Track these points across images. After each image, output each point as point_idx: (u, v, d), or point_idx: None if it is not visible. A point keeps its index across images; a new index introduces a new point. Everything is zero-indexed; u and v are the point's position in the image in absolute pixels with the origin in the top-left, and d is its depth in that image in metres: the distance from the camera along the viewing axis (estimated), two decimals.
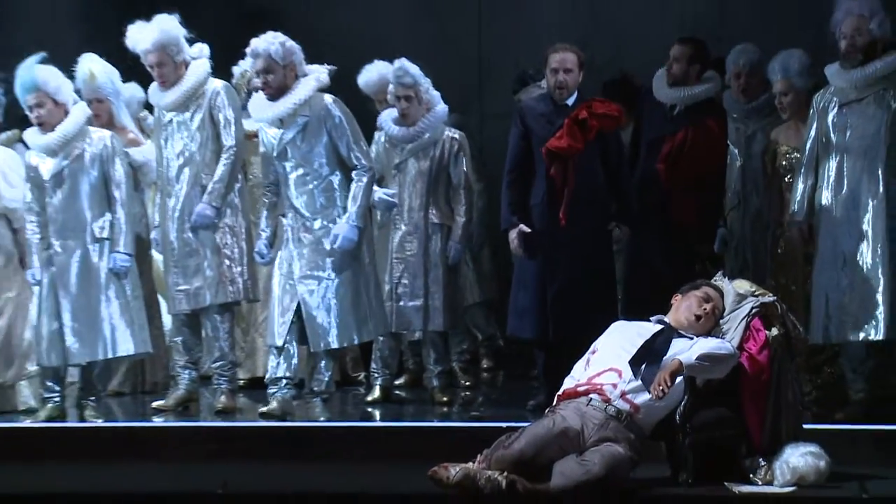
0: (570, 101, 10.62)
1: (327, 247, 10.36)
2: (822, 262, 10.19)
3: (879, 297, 9.94)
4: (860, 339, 10.02)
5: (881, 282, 9.93)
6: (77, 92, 10.85)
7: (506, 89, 12.15)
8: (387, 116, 11.22)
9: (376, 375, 11.36)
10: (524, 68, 11.78)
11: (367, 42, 12.13)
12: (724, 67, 11.20)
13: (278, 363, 10.40)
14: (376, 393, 11.35)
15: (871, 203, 9.99)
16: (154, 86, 10.84)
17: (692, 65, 11.03)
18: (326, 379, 10.44)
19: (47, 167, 10.41)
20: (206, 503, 8.68)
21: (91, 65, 11.03)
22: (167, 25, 10.66)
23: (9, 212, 10.90)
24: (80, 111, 10.46)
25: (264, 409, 10.40)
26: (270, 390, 10.43)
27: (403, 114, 11.08)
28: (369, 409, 11.13)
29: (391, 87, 11.16)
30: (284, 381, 10.38)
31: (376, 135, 11.36)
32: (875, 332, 9.94)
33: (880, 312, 9.92)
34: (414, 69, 11.06)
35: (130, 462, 9.80)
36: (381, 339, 11.18)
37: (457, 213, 11.13)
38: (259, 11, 12.96)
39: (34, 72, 10.38)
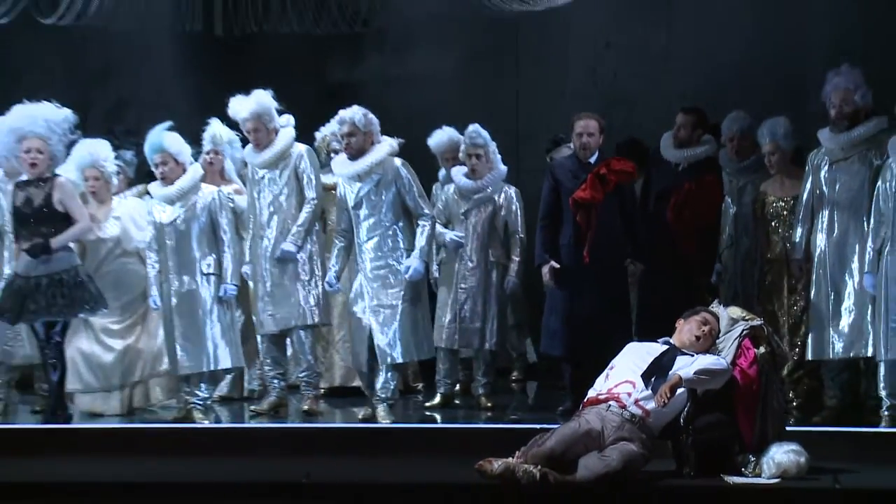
0: (593, 159, 10.52)
1: (391, 280, 10.33)
2: (817, 294, 10.09)
3: (867, 323, 9.81)
4: (850, 356, 9.92)
5: (869, 309, 9.80)
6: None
7: (538, 150, 12.03)
8: (457, 172, 11.14)
9: (440, 385, 11.26)
10: (556, 133, 11.66)
11: (424, 113, 12.07)
12: (719, 131, 11.02)
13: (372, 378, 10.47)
14: (437, 399, 11.25)
15: (857, 245, 9.91)
16: (249, 147, 10.81)
17: (695, 130, 10.97)
18: (392, 388, 10.35)
19: (167, 214, 10.47)
20: (292, 491, 8.54)
21: (220, 128, 11.11)
22: (262, 99, 10.67)
23: (139, 250, 10.83)
24: (195, 170, 10.54)
25: (362, 415, 10.48)
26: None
27: (473, 169, 11.04)
28: (428, 413, 11.03)
29: (463, 146, 11.10)
30: (382, 388, 10.38)
31: (445, 186, 11.36)
32: (864, 350, 9.82)
33: (868, 334, 9.80)
34: (484, 133, 11.06)
35: (233, 457, 9.70)
36: (442, 354, 11.15)
37: (513, 254, 11.07)
38: (334, 90, 12.89)
39: (161, 137, 10.47)
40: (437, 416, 11.02)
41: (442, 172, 11.52)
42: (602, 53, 13.62)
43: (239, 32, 12.62)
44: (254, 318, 11.06)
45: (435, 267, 11.27)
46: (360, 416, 10.51)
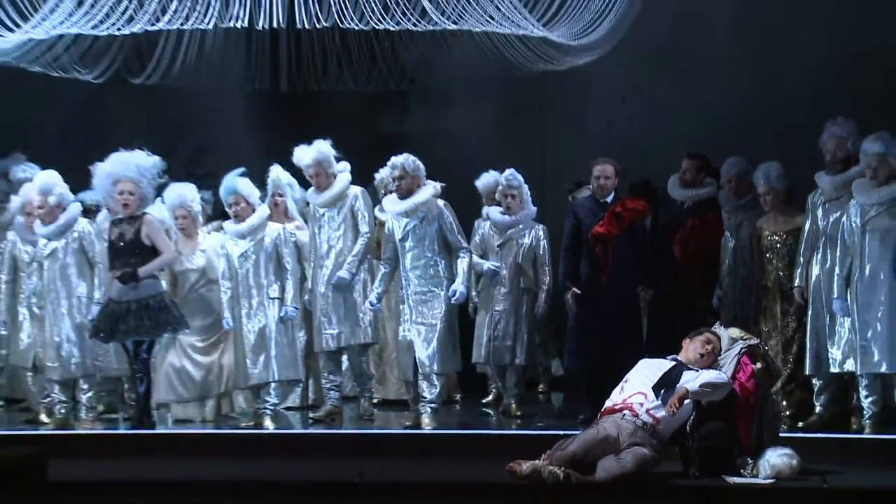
0: (609, 199, 10.55)
1: (432, 303, 10.40)
2: (815, 316, 10.06)
3: (857, 340, 9.75)
4: (843, 370, 9.87)
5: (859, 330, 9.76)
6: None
7: (562, 191, 12.02)
8: (493, 210, 11.17)
9: (490, 389, 11.64)
10: (577, 176, 11.64)
11: (463, 160, 12.08)
12: (720, 174, 10.97)
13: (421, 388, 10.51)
14: (490, 397, 11.70)
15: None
16: (311, 189, 10.87)
17: (698, 173, 11.05)
18: (433, 396, 10.39)
19: (238, 248, 10.56)
20: (347, 489, 8.46)
21: (280, 173, 11.15)
22: (322, 148, 10.75)
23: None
24: (263, 210, 10.61)
25: (409, 423, 10.50)
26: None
27: (508, 207, 11.05)
28: (464, 420, 11.13)
29: (500, 187, 11.12)
30: (424, 400, 10.42)
31: (482, 222, 11.40)
32: (854, 366, 9.76)
33: (857, 351, 9.73)
34: (519, 176, 11.08)
35: (296, 458, 9.77)
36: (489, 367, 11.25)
37: (542, 283, 11.05)
38: (385, 139, 12.90)
39: (234, 181, 10.58)
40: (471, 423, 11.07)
41: (485, 209, 11.54)
42: (617, 105, 13.61)
43: (301, 90, 12.67)
44: (315, 336, 11.03)
45: (475, 293, 11.28)
46: (406, 423, 10.52)
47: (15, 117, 13.29)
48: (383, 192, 11.09)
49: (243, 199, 10.58)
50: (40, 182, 10.62)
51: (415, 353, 10.45)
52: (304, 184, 11.24)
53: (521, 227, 11.14)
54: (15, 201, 11.51)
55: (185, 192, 10.89)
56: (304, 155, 10.81)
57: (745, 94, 13.00)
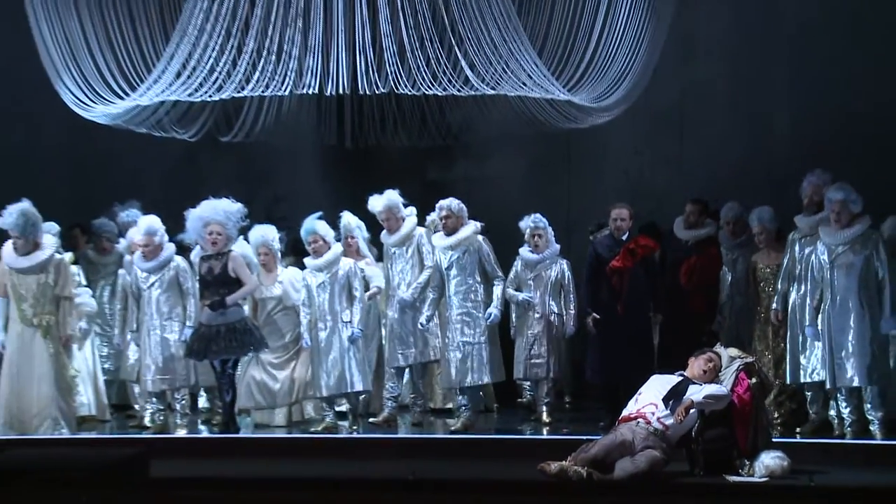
0: (624, 238, 10.59)
1: (472, 323, 10.44)
2: (792, 335, 10.09)
3: (832, 359, 9.72)
4: (812, 379, 9.91)
5: (819, 348, 9.82)
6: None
7: (584, 232, 12.01)
8: (523, 249, 11.10)
9: (525, 395, 11.56)
10: (598, 219, 11.59)
11: (499, 204, 12.11)
12: (718, 216, 11.01)
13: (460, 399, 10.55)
14: (524, 400, 11.61)
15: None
16: (384, 232, 10.90)
17: (700, 216, 11.07)
18: (475, 405, 10.54)
19: (317, 280, 10.57)
20: (401, 485, 8.33)
21: (349, 217, 11.13)
22: (392, 196, 10.79)
23: (295, 305, 10.86)
24: (337, 248, 10.63)
25: (454, 427, 10.47)
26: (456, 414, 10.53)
27: (536, 245, 11.00)
28: (500, 427, 11.04)
29: (528, 229, 11.05)
30: (462, 408, 10.48)
31: (518, 259, 11.28)
32: (823, 377, 9.76)
33: (832, 368, 9.71)
34: (544, 219, 11.03)
35: (358, 459, 9.83)
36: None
37: (568, 309, 10.94)
38: (433, 185, 12.87)
39: (314, 223, 10.59)
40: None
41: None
42: (631, 158, 13.54)
43: (363, 145, 12.66)
44: (388, 354, 11.09)
45: (513, 318, 11.20)
46: (452, 428, 10.51)
47: (123, 170, 13.32)
48: (433, 230, 11.06)
49: (321, 238, 10.58)
50: (145, 224, 10.64)
51: (457, 367, 10.47)
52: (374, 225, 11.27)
53: (547, 262, 11.07)
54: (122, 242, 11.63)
55: (267, 233, 10.91)
56: (376, 202, 10.85)
57: (739, 150, 12.93)
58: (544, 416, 10.95)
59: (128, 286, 10.82)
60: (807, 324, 9.84)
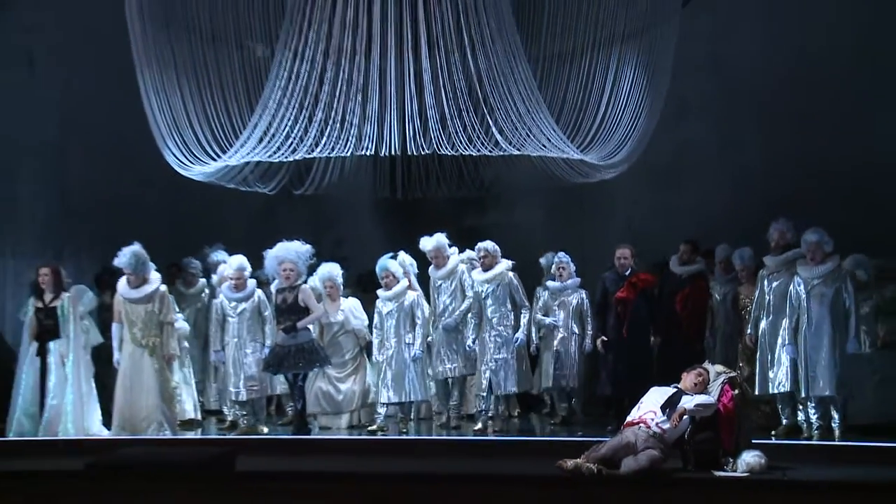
0: (627, 273, 10.58)
1: (504, 344, 10.46)
2: (762, 354, 10.05)
3: (788, 371, 9.79)
4: (779, 390, 9.88)
5: (786, 364, 9.81)
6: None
7: (596, 269, 11.74)
8: (550, 280, 11.21)
9: (551, 404, 11.50)
10: (607, 257, 11.40)
11: (525, 246, 11.99)
12: (709, 254, 11.03)
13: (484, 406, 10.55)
14: (547, 409, 11.60)
15: (783, 324, 9.88)
16: (432, 267, 10.89)
17: (692, 254, 11.03)
18: (501, 410, 10.61)
19: (386, 308, 10.66)
20: (436, 480, 8.37)
21: (405, 257, 11.10)
22: (441, 238, 10.80)
23: (356, 331, 10.98)
24: (404, 282, 10.71)
25: (475, 427, 10.52)
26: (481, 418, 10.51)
27: (560, 276, 11.08)
28: (523, 429, 11.00)
29: (554, 263, 11.15)
30: (483, 412, 10.50)
31: (542, 290, 11.30)
32: (786, 388, 9.82)
33: (789, 379, 9.79)
34: (567, 256, 11.13)
35: (407, 456, 9.72)
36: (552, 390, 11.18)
37: (587, 330, 10.96)
38: (470, 230, 12.70)
39: (387, 262, 10.72)
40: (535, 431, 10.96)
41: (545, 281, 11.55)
42: (633, 207, 13.53)
43: (411, 196, 12.69)
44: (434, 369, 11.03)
45: (537, 338, 11.17)
46: (474, 429, 10.53)
47: (214, 218, 13.36)
48: (470, 266, 11.06)
49: (391, 274, 10.68)
50: (237, 262, 10.70)
51: (492, 379, 10.50)
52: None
53: (569, 291, 11.11)
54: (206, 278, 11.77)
55: (332, 269, 10.97)
56: (427, 243, 10.87)
57: (723, 198, 12.88)
58: (559, 419, 11.03)
59: (218, 315, 10.86)
60: (787, 342, 9.79)
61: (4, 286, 12.04)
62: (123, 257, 10.30)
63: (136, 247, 10.34)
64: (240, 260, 10.74)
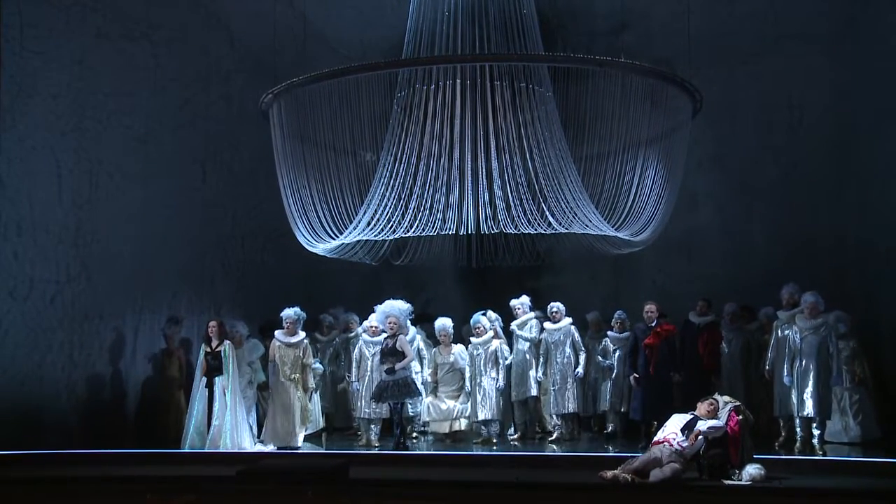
0: (654, 324, 10.55)
1: (566, 376, 10.68)
2: (779, 382, 10.05)
3: (797, 398, 9.80)
4: (795, 414, 9.85)
5: (794, 392, 9.85)
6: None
7: (632, 320, 11.58)
8: (611, 332, 11.36)
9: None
10: (637, 312, 11.38)
11: (574, 303, 11.82)
12: (720, 309, 11.04)
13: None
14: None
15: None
16: (514, 322, 11.07)
17: (707, 308, 11.00)
18: (564, 433, 10.80)
19: (477, 351, 10.88)
20: (507, 487, 8.32)
21: (491, 312, 11.17)
22: (525, 298, 11.14)
23: (461, 369, 11.01)
24: (490, 332, 10.89)
25: (551, 440, 10.65)
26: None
27: (620, 328, 11.31)
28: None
29: (614, 319, 11.32)
30: (557, 428, 10.75)
31: (603, 341, 11.34)
32: (801, 412, 9.80)
33: (797, 404, 9.81)
34: (624, 313, 11.35)
35: (488, 467, 9.62)
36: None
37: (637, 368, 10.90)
38: (532, 291, 12.28)
39: (479, 317, 10.91)
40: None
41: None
42: (657, 273, 13.41)
43: (483, 265, 12.65)
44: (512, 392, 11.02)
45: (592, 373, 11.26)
46: (549, 440, 10.68)
47: (329, 289, 13.18)
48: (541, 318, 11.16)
49: (482, 326, 10.88)
50: (379, 314, 10.64)
51: (556, 401, 10.68)
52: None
53: (623, 339, 11.22)
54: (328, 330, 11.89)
55: (446, 322, 11.09)
56: (515, 301, 11.12)
57: (730, 264, 12.85)
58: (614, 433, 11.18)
59: (359, 355, 10.89)
60: (785, 375, 9.91)
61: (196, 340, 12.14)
62: (289, 311, 10.60)
63: (297, 308, 10.68)
64: (383, 311, 10.65)
